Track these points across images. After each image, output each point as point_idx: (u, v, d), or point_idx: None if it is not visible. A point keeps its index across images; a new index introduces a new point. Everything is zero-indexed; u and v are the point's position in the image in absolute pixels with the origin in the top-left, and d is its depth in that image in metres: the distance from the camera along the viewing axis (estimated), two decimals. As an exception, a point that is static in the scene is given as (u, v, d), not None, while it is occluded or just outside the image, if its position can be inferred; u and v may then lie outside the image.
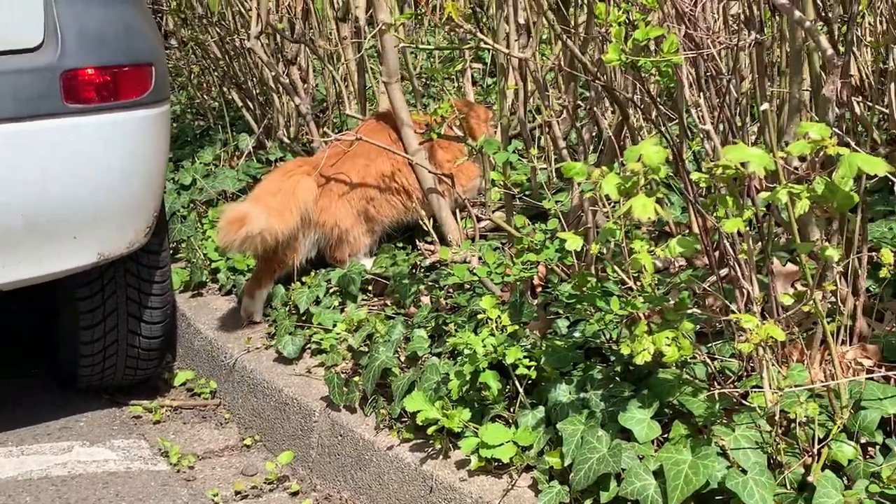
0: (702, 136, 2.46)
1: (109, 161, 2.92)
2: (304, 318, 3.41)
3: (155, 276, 3.33)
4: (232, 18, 5.19)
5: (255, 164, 4.71)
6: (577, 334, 2.81)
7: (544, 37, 4.60)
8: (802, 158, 2.33)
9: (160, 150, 3.09)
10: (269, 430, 3.22)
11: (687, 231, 3.45)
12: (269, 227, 3.30)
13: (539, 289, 3.23)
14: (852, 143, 2.37)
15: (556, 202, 3.76)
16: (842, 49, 2.45)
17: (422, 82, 5.56)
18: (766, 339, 2.06)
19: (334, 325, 3.29)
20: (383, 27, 3.02)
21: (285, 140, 4.78)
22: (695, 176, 2.19)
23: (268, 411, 3.22)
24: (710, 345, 2.65)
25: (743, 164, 1.97)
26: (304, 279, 3.55)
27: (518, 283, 2.98)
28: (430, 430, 2.61)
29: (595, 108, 3.18)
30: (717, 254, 2.66)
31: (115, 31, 2.92)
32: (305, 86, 4.80)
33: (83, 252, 2.95)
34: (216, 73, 5.48)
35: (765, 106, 2.03)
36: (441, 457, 2.63)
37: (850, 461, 2.15)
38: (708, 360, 2.49)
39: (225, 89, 5.37)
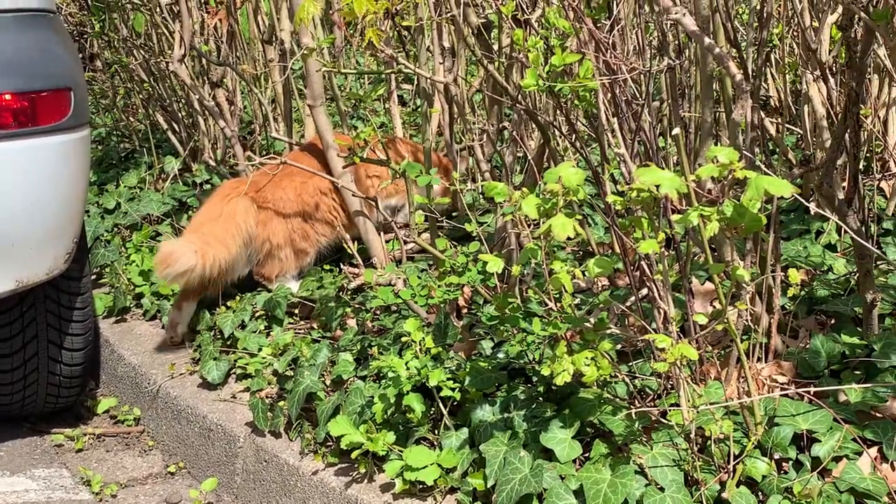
0: (618, 159, 2.51)
1: (27, 187, 2.87)
2: (229, 343, 3.38)
3: (76, 302, 3.29)
4: (157, 41, 5.16)
5: (180, 186, 4.67)
6: (500, 355, 2.83)
7: (473, 59, 4.65)
8: (719, 179, 2.39)
9: (80, 176, 3.05)
10: (193, 457, 3.19)
11: (609, 251, 3.50)
12: (215, 259, 3.38)
13: (464, 310, 3.26)
14: (762, 166, 2.44)
15: (482, 223, 3.79)
16: (758, 71, 2.52)
17: (351, 103, 5.57)
18: (680, 358, 2.10)
19: (259, 350, 3.27)
20: (306, 51, 3.02)
21: (211, 163, 4.75)
22: (610, 198, 2.22)
23: (192, 438, 3.19)
24: (630, 363, 2.70)
25: (656, 187, 2.01)
26: (229, 303, 3.53)
27: (443, 304, 3.00)
28: (354, 454, 2.61)
29: (515, 133, 3.22)
30: (637, 273, 2.71)
31: (33, 56, 2.89)
32: (232, 108, 4.78)
33: (0, 279, 2.89)
34: (141, 96, 5.43)
35: (676, 130, 2.08)
36: (366, 481, 2.62)
37: (764, 477, 2.20)
38: (627, 380, 2.53)
39: (150, 112, 5.32)
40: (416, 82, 5.32)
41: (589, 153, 3.93)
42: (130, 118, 5.79)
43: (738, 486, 2.18)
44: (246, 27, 5.11)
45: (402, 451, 2.56)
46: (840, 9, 2.82)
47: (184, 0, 3.99)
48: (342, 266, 3.63)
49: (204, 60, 4.69)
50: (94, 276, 4.14)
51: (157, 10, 4.86)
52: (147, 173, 4.93)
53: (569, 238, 2.06)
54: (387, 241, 3.67)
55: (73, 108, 2.96)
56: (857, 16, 2.39)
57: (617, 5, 2.90)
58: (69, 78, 2.98)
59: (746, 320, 2.60)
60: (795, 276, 2.21)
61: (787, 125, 4.20)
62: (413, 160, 3.67)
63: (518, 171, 3.97)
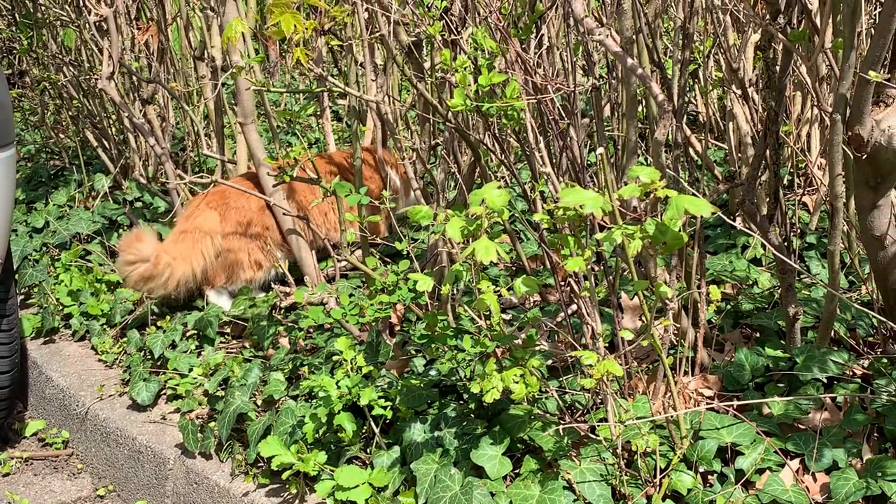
0: (545, 177, 2.54)
1: (-51, 208, 2.83)
2: (159, 364, 3.35)
3: (1, 324, 3.22)
4: (87, 57, 5.10)
5: (111, 204, 4.61)
6: (432, 373, 2.84)
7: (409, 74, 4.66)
8: (641, 198, 2.43)
9: (4, 196, 3.00)
10: (122, 480, 3.15)
11: (541, 265, 3.53)
12: (184, 274, 3.53)
13: (397, 327, 3.26)
14: (686, 184, 2.48)
15: (415, 240, 3.80)
16: (682, 90, 2.56)
17: (285, 120, 5.56)
18: (605, 374, 2.12)
19: (190, 370, 3.24)
20: (234, 70, 3.01)
21: (142, 180, 4.70)
22: (537, 217, 2.25)
23: (121, 460, 3.15)
24: (561, 378, 2.72)
25: (580, 206, 2.04)
26: (159, 323, 3.49)
27: (374, 323, 3.00)
28: (285, 475, 2.59)
29: (446, 150, 3.24)
30: (567, 289, 2.74)
31: (-46, 74, 2.84)
32: (164, 124, 4.73)
33: (-79, 302, 2.84)
34: (71, 113, 5.36)
35: (600, 150, 2.11)
36: (297, 501, 2.61)
37: (689, 490, 2.23)
38: (556, 396, 2.55)
39: (80, 129, 5.25)
40: (348, 99, 5.33)
41: (521, 169, 3.97)
42: (60, 135, 5.71)
43: (664, 499, 2.21)
44: (177, 43, 5.07)
45: (333, 471, 2.56)
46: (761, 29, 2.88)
47: (112, 17, 3.95)
48: (273, 285, 3.62)
49: (134, 77, 4.64)
50: (21, 297, 4.07)
51: (86, 26, 4.80)
52: (77, 191, 4.86)
53: (498, 255, 2.08)
54: (320, 260, 3.67)
55: (-4, 128, 2.92)
56: (775, 36, 2.45)
57: (544, 24, 2.94)
58: (-8, 97, 2.94)
59: (673, 335, 2.64)
60: (716, 292, 2.26)
61: (714, 141, 4.28)
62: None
63: (453, 187, 3.99)
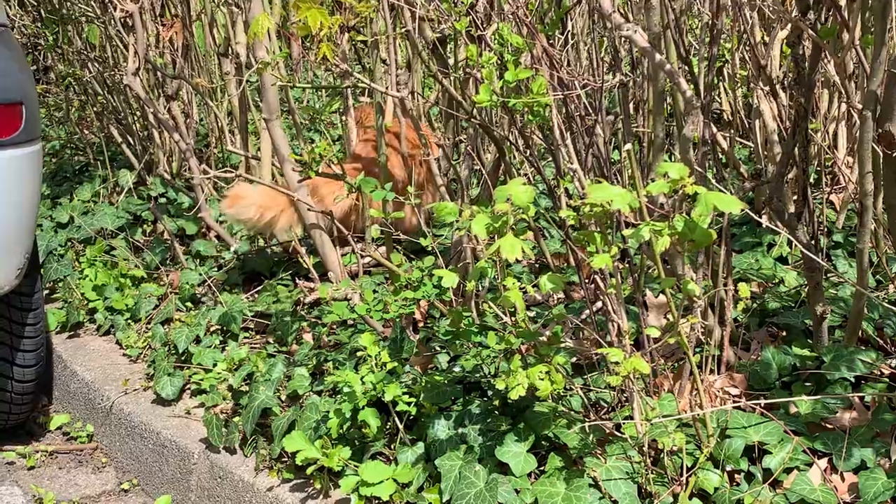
0: (571, 173, 2.53)
1: (-23, 202, 2.84)
2: (183, 358, 3.36)
3: (28, 318, 3.24)
4: (111, 53, 5.12)
5: (135, 200, 4.64)
6: (457, 369, 2.83)
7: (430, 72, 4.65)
8: (670, 195, 2.42)
9: (31, 191, 3.02)
10: (147, 474, 3.16)
11: (565, 263, 3.52)
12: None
13: (421, 324, 3.26)
14: (713, 181, 2.47)
15: (438, 236, 3.80)
16: (709, 86, 2.55)
17: (308, 116, 5.57)
18: (632, 371, 2.11)
19: (214, 365, 3.25)
20: (260, 65, 3.02)
21: (166, 176, 4.72)
22: (563, 213, 2.24)
23: (146, 454, 3.16)
24: (586, 376, 2.71)
25: (608, 202, 2.03)
26: (183, 318, 3.51)
27: (398, 319, 3.00)
28: (309, 470, 2.59)
29: (470, 146, 3.23)
30: (592, 287, 2.73)
31: (-17, 70, 2.86)
32: (188, 120, 4.75)
33: (-51, 296, 2.86)
34: (95, 109, 5.39)
35: (627, 146, 2.09)
36: (321, 496, 2.61)
37: (716, 489, 2.22)
38: (581, 394, 2.54)
39: (105, 125, 5.28)
40: (371, 95, 5.33)
41: (545, 166, 3.96)
42: (85, 131, 5.74)
43: (690, 498, 2.19)
44: (202, 40, 5.09)
45: (357, 467, 2.56)
46: (789, 25, 2.86)
47: (137, 13, 3.96)
48: (297, 280, 3.62)
49: (159, 73, 4.66)
50: (46, 291, 4.09)
51: (111, 22, 4.82)
52: (101, 187, 4.89)
53: (523, 252, 2.07)
54: (343, 255, 3.66)
55: (24, 123, 2.93)
56: (804, 32, 2.43)
57: (570, 19, 2.93)
58: (20, 92, 2.95)
59: (699, 333, 2.62)
60: (745, 290, 2.24)
61: (739, 139, 4.26)
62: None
63: (476, 184, 3.98)
